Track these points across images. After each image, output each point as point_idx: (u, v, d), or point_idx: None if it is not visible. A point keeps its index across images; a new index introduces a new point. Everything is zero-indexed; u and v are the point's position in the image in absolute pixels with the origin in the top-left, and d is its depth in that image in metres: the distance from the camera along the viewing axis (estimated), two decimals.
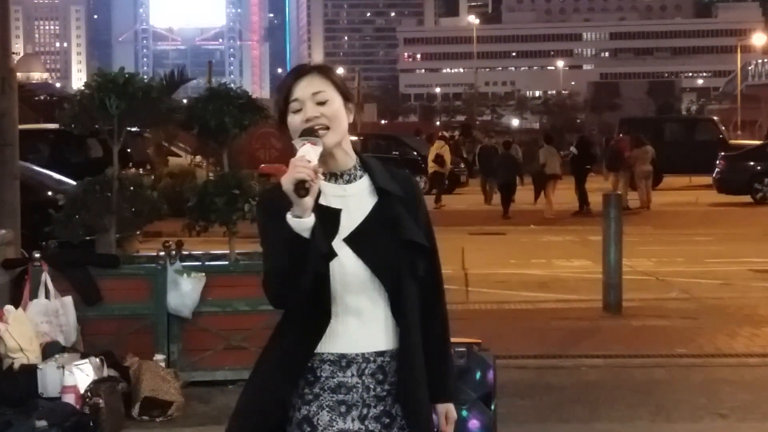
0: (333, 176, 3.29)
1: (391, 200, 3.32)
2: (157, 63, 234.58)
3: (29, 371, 7.55)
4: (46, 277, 8.16)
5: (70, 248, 8.90)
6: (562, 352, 10.09)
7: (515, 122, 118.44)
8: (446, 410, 3.50)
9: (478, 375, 6.61)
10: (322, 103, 3.27)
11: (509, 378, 8.42)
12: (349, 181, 3.32)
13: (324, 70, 3.34)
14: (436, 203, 28.08)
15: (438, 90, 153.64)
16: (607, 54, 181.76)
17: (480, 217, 24.95)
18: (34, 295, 8.15)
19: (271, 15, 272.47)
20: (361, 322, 3.28)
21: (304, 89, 3.27)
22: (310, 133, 3.19)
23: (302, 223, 3.06)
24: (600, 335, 10.92)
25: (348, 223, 3.25)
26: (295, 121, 3.26)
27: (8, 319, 7.73)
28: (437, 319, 3.47)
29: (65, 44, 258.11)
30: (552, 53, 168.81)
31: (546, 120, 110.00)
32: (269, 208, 3.21)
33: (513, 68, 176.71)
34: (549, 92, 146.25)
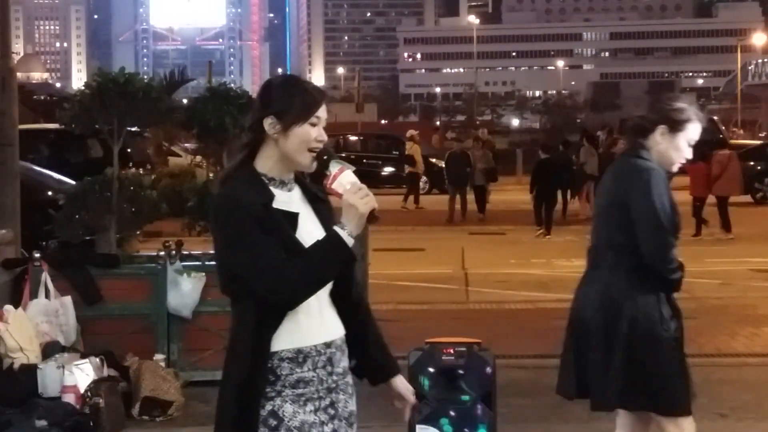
0: (281, 183, 3.63)
1: (322, 206, 3.69)
2: (157, 63, 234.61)
3: (29, 371, 7.56)
4: (46, 276, 8.16)
5: (70, 248, 8.91)
6: (561, 352, 10.08)
7: (515, 122, 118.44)
8: (402, 381, 3.86)
9: (478, 375, 6.61)
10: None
11: (509, 378, 8.41)
12: (290, 189, 3.66)
13: None
14: (405, 202, 27.99)
15: (438, 90, 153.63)
16: (607, 54, 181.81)
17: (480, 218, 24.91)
18: (34, 295, 8.15)
19: (271, 15, 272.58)
20: (310, 316, 3.57)
21: (323, 112, 3.67)
22: (329, 153, 3.63)
23: (351, 240, 3.51)
24: None
25: (304, 225, 3.58)
26: (309, 133, 3.60)
27: (8, 319, 7.73)
28: (364, 306, 3.81)
29: (65, 44, 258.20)
30: (552, 53, 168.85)
31: (546, 120, 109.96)
32: (249, 213, 3.50)
33: (513, 68, 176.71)
34: (549, 92, 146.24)
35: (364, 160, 35.43)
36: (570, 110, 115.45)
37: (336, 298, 3.67)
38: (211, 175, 10.20)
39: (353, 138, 40.20)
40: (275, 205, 3.53)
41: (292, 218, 3.55)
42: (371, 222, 3.50)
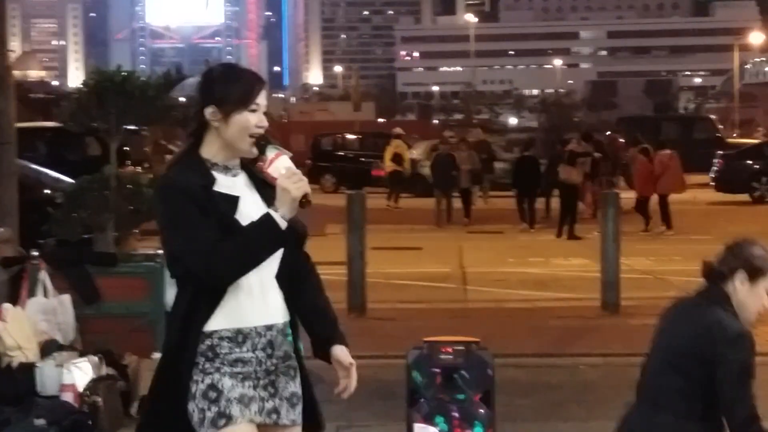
0: (225, 168, 3.74)
1: (269, 192, 3.72)
2: (154, 61, 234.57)
3: (27, 369, 7.54)
4: (44, 275, 8.15)
5: (68, 246, 8.89)
6: (560, 350, 10.10)
7: (513, 121, 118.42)
8: (340, 355, 3.90)
9: (476, 374, 6.61)
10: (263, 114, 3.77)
11: (508, 377, 8.41)
12: (235, 175, 3.77)
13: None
14: (389, 200, 27.90)
15: (435, 88, 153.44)
16: (604, 52, 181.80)
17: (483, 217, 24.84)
18: (32, 294, 8.14)
19: (269, 13, 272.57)
20: (251, 297, 3.68)
21: (263, 98, 3.77)
22: (267, 139, 3.71)
23: (284, 222, 3.61)
24: (598, 334, 10.92)
25: (245, 209, 3.68)
26: (249, 119, 3.70)
27: (6, 318, 7.71)
28: (313, 283, 3.91)
29: (62, 42, 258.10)
30: (549, 52, 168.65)
31: (544, 119, 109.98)
32: (186, 195, 3.61)
33: (511, 67, 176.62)
34: (546, 91, 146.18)
35: (362, 159, 35.39)
36: (567, 109, 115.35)
37: (282, 281, 3.77)
38: None
39: (350, 136, 40.16)
40: (217, 188, 3.67)
41: (232, 201, 3.67)
42: (303, 206, 3.62)
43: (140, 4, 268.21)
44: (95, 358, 7.66)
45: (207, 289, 3.65)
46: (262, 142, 3.70)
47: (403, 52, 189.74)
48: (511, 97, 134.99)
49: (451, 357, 6.62)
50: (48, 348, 7.79)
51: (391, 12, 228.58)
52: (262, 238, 3.60)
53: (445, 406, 6.56)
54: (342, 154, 37.98)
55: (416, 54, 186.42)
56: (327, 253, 15.29)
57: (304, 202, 3.61)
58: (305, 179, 3.65)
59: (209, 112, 3.71)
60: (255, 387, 3.70)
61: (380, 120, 71.50)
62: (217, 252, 3.57)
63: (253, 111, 3.71)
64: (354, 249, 12.20)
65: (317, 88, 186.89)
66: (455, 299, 13.48)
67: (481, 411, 6.57)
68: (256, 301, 3.70)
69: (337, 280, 12.75)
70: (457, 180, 23.99)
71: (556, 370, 9.26)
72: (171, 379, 3.67)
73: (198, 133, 3.76)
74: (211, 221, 3.60)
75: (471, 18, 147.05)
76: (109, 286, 8.44)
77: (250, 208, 3.69)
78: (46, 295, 8.12)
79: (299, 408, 3.83)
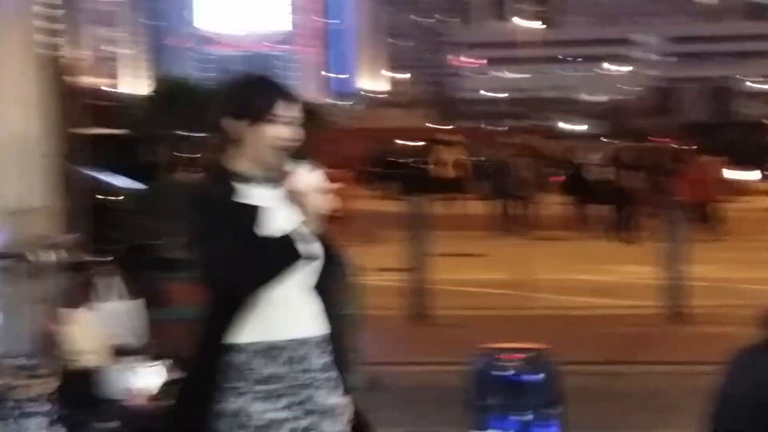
0: (254, 180, 3.65)
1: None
2: (217, 69, 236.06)
3: (98, 373, 7.63)
4: (115, 280, 8.24)
5: (137, 252, 8.99)
6: (628, 358, 10.03)
7: (572, 127, 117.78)
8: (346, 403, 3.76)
9: (542, 381, 6.59)
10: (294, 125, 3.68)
11: (574, 384, 8.33)
12: (263, 185, 3.67)
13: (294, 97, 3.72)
14: (446, 207, 27.79)
15: (495, 94, 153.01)
16: (666, 58, 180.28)
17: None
18: (103, 298, 8.23)
19: (332, 21, 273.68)
20: (286, 310, 3.59)
21: (285, 110, 3.66)
22: (300, 157, 3.64)
23: (309, 239, 3.57)
24: (666, 342, 10.84)
25: (275, 222, 3.58)
26: (269, 132, 3.62)
27: (78, 321, 7.82)
28: (345, 303, 3.97)
29: (120, 50, 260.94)
30: (609, 57, 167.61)
31: (604, 125, 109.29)
32: (210, 207, 3.57)
33: (567, 72, 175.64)
34: (607, 97, 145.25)
35: (423, 165, 35.35)
36: (627, 115, 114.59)
37: (320, 294, 3.69)
38: None
39: (411, 143, 40.21)
40: (243, 200, 3.60)
41: (256, 212, 3.59)
42: (331, 223, 3.59)
43: (201, 12, 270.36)
44: (166, 362, 7.73)
45: (236, 301, 3.58)
46: (294, 157, 3.64)
47: (463, 58, 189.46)
48: (567, 103, 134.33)
49: (516, 364, 6.61)
50: (119, 352, 7.87)
51: (451, 19, 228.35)
52: (279, 256, 3.54)
53: (511, 414, 6.55)
54: (402, 160, 38.05)
55: (477, 60, 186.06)
56: (388, 259, 15.33)
57: (331, 219, 3.58)
58: (333, 196, 3.61)
59: (227, 123, 3.66)
60: (289, 406, 3.59)
61: (440, 126, 71.39)
62: (235, 266, 3.50)
63: (275, 124, 3.63)
64: (416, 255, 12.20)
65: (377, 95, 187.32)
66: (521, 306, 13.42)
67: (547, 419, 6.55)
68: (291, 313, 3.62)
69: (398, 286, 12.77)
70: (517, 186, 23.71)
71: (624, 378, 9.20)
72: (197, 394, 3.59)
73: (225, 143, 3.69)
74: (232, 234, 3.53)
75: (530, 24, 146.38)
76: (180, 291, 8.51)
77: (281, 220, 3.61)
78: (117, 299, 8.21)
79: (344, 418, 3.73)
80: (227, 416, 3.55)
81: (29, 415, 6.61)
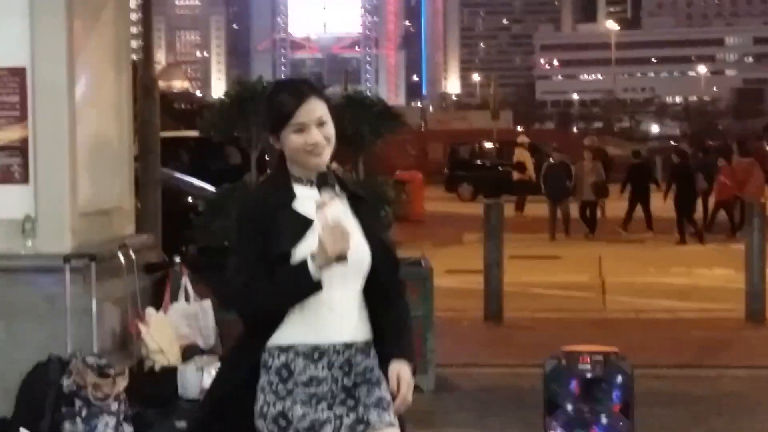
0: (309, 181, 3.63)
1: (360, 203, 3.69)
2: (294, 71, 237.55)
3: (170, 373, 7.70)
4: (185, 280, 8.31)
5: (209, 253, 9.05)
6: (702, 362, 9.90)
7: (655, 129, 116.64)
8: (399, 369, 3.63)
9: (616, 384, 6.54)
10: (321, 125, 3.62)
11: (648, 387, 8.26)
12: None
13: (319, 92, 3.65)
14: (517, 210, 27.40)
15: (575, 96, 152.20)
16: (750, 59, 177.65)
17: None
18: (174, 299, 8.30)
19: (407, 23, 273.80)
20: (332, 313, 3.56)
21: (308, 114, 3.61)
22: (325, 180, 3.57)
23: (319, 272, 3.49)
24: (742, 346, 10.67)
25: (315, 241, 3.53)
26: (294, 140, 3.61)
27: (150, 322, 7.89)
28: (399, 306, 3.71)
29: (205, 54, 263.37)
30: (693, 58, 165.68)
31: (686, 127, 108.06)
32: (257, 215, 3.58)
33: (652, 74, 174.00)
34: (690, 98, 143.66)
35: (500, 167, 35.22)
36: (711, 117, 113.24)
37: (369, 299, 3.65)
38: None
39: (488, 145, 40.07)
40: (298, 206, 3.59)
41: (305, 223, 3.57)
42: (338, 262, 3.49)
43: (281, 16, 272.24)
44: None
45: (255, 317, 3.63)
46: (320, 179, 3.61)
47: (542, 60, 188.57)
48: (653, 105, 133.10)
49: (589, 367, 6.57)
50: (189, 352, 7.94)
51: (530, 20, 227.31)
52: (292, 286, 3.52)
53: (584, 417, 6.51)
54: (479, 162, 37.95)
55: (556, 62, 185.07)
56: (464, 261, 15.32)
57: (340, 258, 3.49)
58: (348, 234, 3.50)
59: (266, 135, 3.77)
60: (330, 407, 3.56)
61: (518, 129, 71.19)
62: (252, 288, 3.54)
63: (298, 130, 3.61)
64: (491, 257, 12.17)
65: (455, 97, 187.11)
66: (594, 309, 13.33)
67: (621, 422, 6.49)
68: (337, 317, 3.59)
69: (474, 288, 12.74)
70: (573, 191, 22.85)
71: (698, 381, 9.07)
72: (236, 395, 3.60)
73: (279, 150, 3.73)
74: (260, 249, 3.54)
75: (612, 25, 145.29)
76: None
77: (313, 241, 3.57)
78: (187, 300, 8.27)
79: (391, 411, 3.63)
80: (267, 418, 3.54)
81: (97, 414, 6.68)
